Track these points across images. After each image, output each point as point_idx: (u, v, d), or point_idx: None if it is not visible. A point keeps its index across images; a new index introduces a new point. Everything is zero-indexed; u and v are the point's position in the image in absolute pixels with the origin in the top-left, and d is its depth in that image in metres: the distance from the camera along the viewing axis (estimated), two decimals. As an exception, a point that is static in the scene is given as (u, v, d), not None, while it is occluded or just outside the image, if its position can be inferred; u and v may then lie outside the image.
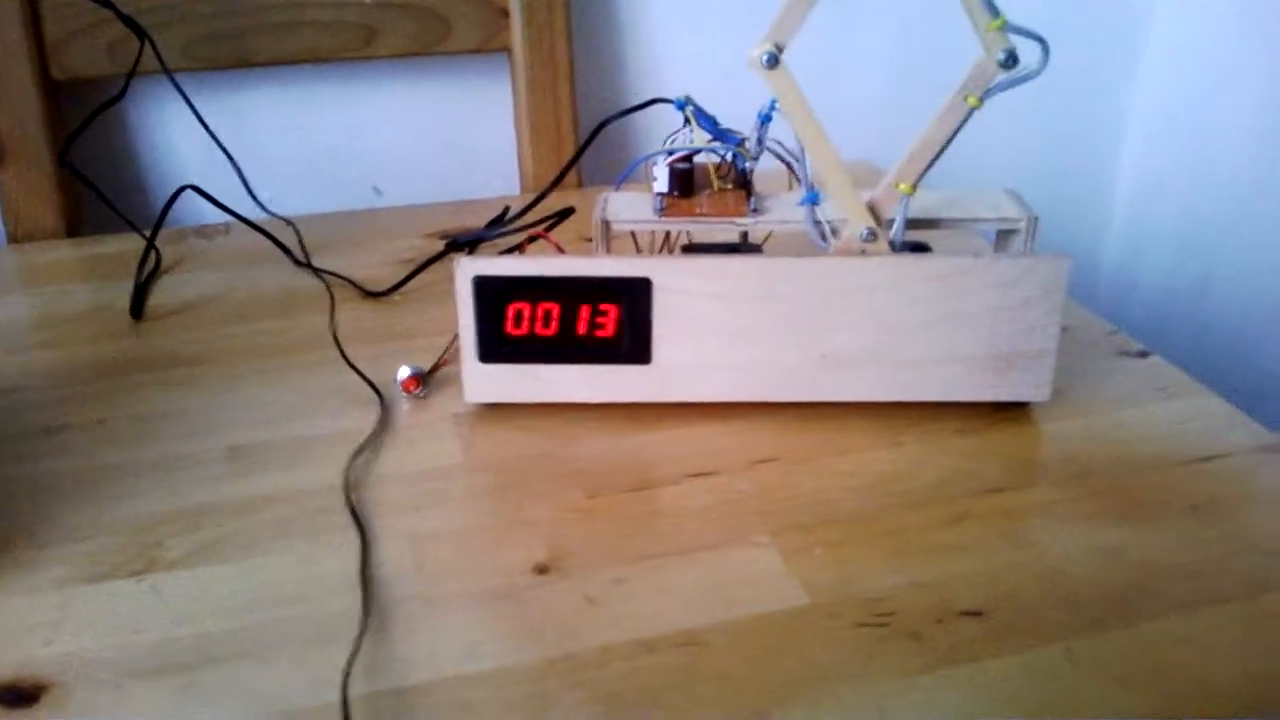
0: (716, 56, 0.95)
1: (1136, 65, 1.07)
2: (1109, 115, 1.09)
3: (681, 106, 0.61)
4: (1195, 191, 1.03)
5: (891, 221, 0.55)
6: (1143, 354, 0.64)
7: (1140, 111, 1.08)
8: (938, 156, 0.54)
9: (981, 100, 0.52)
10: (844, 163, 0.54)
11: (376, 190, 0.93)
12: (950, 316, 0.54)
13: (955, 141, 0.54)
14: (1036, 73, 0.51)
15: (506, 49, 0.88)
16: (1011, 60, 0.51)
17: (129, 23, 0.73)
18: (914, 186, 0.54)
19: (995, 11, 0.51)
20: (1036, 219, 0.56)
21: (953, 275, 0.54)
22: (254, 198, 0.78)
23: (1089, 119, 1.08)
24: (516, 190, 0.92)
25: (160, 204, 0.77)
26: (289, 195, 0.85)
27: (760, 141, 0.60)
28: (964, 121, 0.53)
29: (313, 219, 0.82)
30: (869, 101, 0.99)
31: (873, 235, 0.55)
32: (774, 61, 0.52)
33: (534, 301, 0.55)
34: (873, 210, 0.55)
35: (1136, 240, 1.12)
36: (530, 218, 0.74)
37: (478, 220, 0.80)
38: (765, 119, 0.60)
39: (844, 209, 0.55)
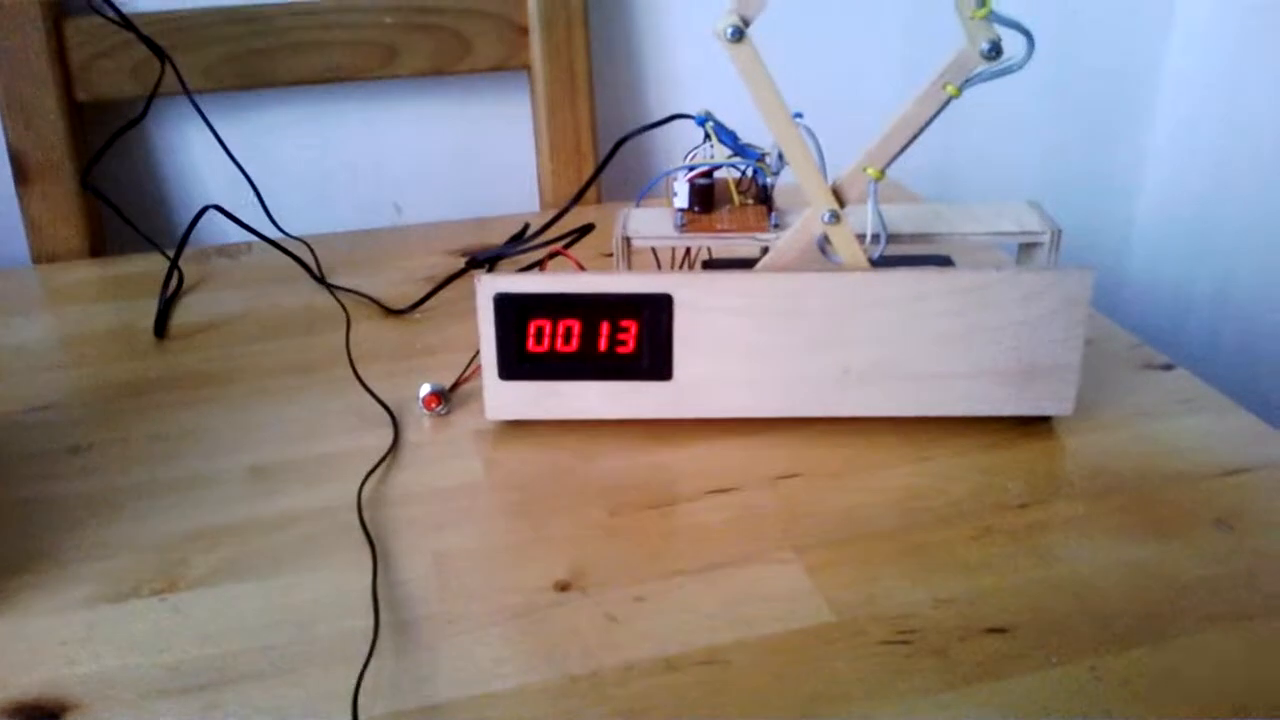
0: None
1: (1158, 72, 1.06)
2: (1130, 122, 1.08)
3: (702, 122, 0.61)
4: (1216, 198, 1.03)
5: (872, 230, 0.55)
6: (1167, 367, 0.63)
7: (1163, 116, 1.07)
8: (910, 142, 0.53)
9: (960, 89, 0.52)
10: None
11: (397, 208, 0.93)
12: (973, 331, 0.54)
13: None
14: (1019, 65, 0.51)
15: (526, 66, 0.88)
16: (995, 51, 0.50)
17: (150, 45, 0.74)
18: (883, 171, 0.54)
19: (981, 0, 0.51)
20: (1060, 232, 0.56)
21: (975, 289, 0.53)
22: (271, 219, 0.78)
23: (1110, 126, 1.08)
24: (537, 207, 0.92)
25: (181, 224, 0.78)
26: (310, 213, 0.85)
27: (780, 156, 0.60)
28: (940, 109, 0.52)
29: (334, 237, 0.82)
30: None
31: (835, 218, 0.54)
32: (739, 35, 0.51)
33: (554, 318, 0.55)
34: (836, 193, 0.54)
35: (1159, 249, 1.11)
36: (550, 234, 0.74)
37: (498, 237, 0.81)
38: (784, 132, 0.60)
39: (806, 190, 0.54)
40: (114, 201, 0.80)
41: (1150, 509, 0.51)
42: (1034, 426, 0.57)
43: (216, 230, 0.80)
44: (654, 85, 0.96)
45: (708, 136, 0.61)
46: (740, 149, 0.60)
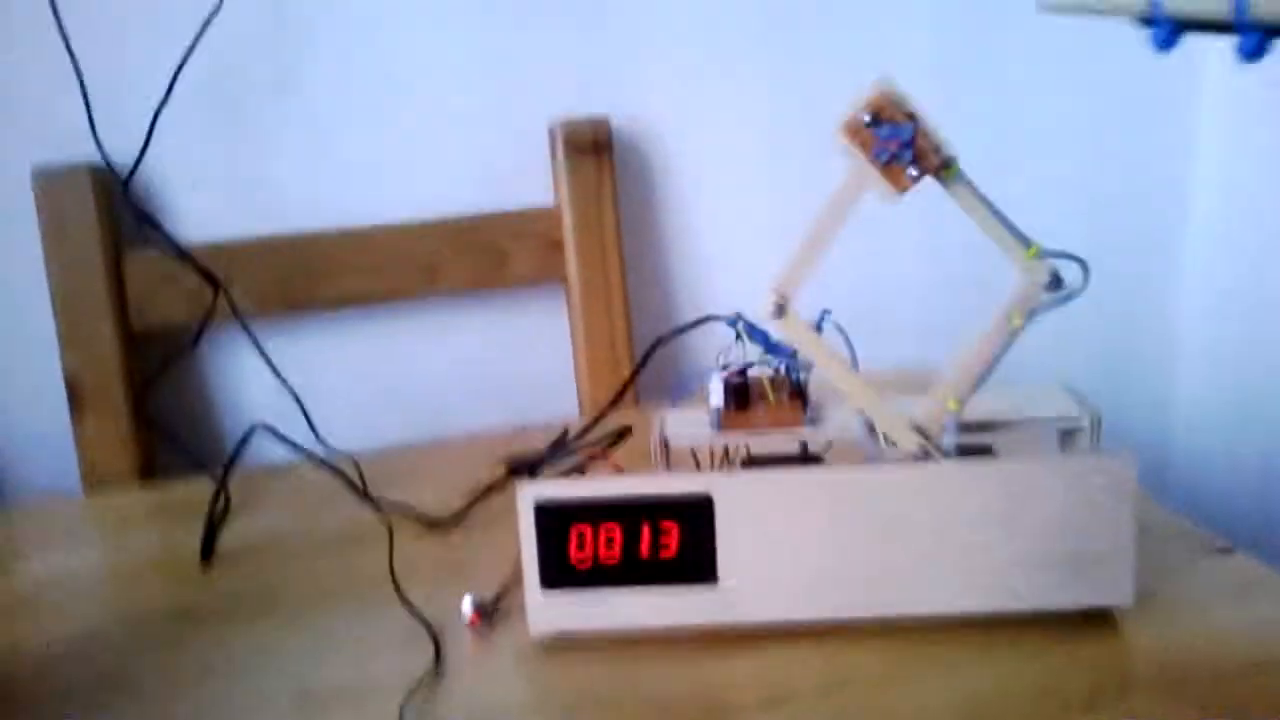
0: (766, 267, 0.98)
1: (1183, 242, 1.07)
2: (1160, 294, 1.09)
3: (733, 324, 0.62)
4: (1253, 368, 1.02)
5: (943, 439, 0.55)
6: (1226, 550, 0.61)
7: (1193, 289, 1.08)
8: (985, 377, 0.54)
9: (1026, 321, 0.53)
10: (880, 388, 0.55)
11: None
12: (1020, 522, 0.53)
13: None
14: (1079, 291, 0.52)
15: (562, 279, 0.91)
16: (1056, 283, 0.52)
17: (205, 274, 0.77)
18: (962, 404, 0.54)
19: (1027, 241, 0.52)
20: (1100, 416, 0.56)
21: (1018, 479, 0.53)
22: (317, 435, 0.79)
23: (1140, 296, 1.09)
24: (576, 412, 0.93)
25: (230, 442, 0.79)
26: (355, 428, 0.87)
27: (813, 353, 0.60)
28: (1010, 342, 0.53)
29: (377, 453, 0.83)
30: (905, 297, 1.01)
31: (925, 454, 0.55)
32: (780, 312, 0.54)
33: (595, 523, 0.54)
34: (921, 431, 0.55)
35: (1201, 424, 1.09)
36: (589, 438, 0.75)
37: (538, 444, 0.81)
38: (815, 328, 0.61)
39: (894, 439, 0.55)
40: (165, 425, 0.82)
41: (1225, 704, 0.48)
42: (1093, 620, 0.55)
43: (266, 450, 0.81)
44: (685, 287, 0.98)
45: (739, 336, 0.62)
46: (773, 348, 0.61)
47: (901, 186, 0.53)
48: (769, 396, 0.60)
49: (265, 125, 0.86)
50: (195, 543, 0.71)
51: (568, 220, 0.90)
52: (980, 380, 0.54)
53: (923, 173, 0.52)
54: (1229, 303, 1.05)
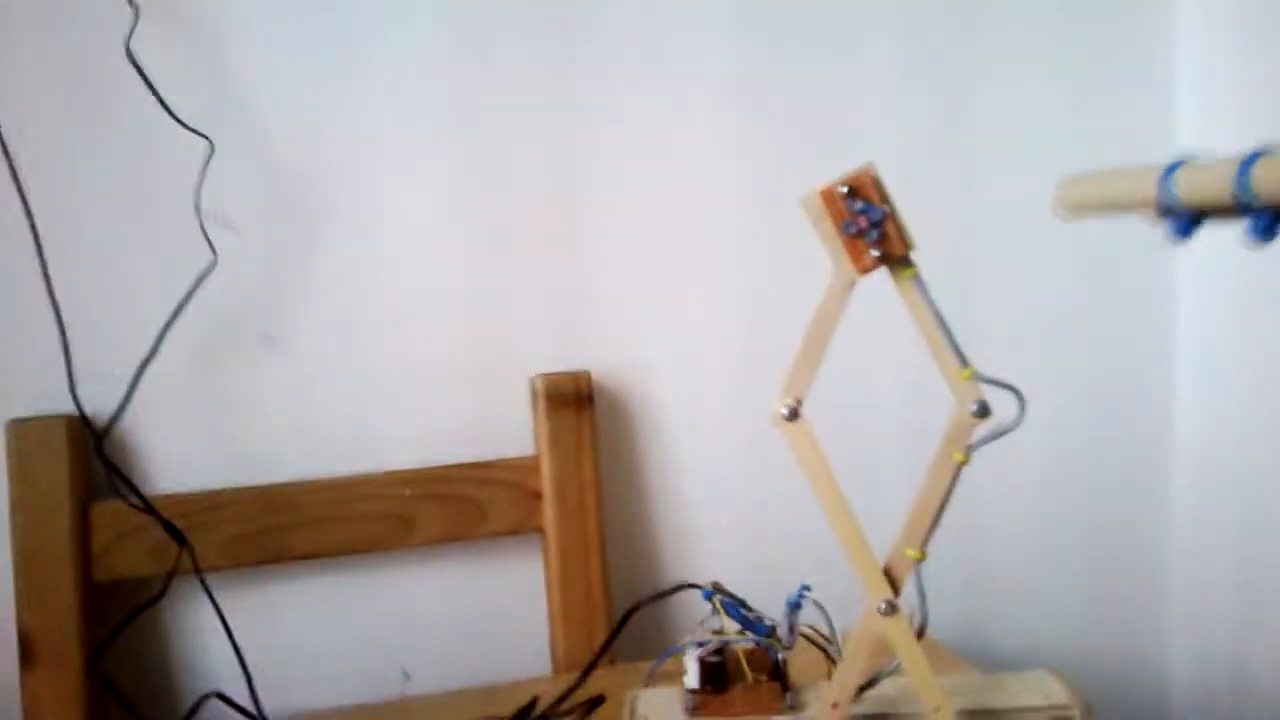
0: (747, 527, 0.97)
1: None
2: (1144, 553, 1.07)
3: (709, 596, 0.61)
4: (1249, 635, 0.99)
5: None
6: None
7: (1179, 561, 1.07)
8: (938, 517, 0.53)
9: (968, 455, 0.52)
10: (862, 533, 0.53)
11: (405, 675, 0.91)
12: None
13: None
14: (1014, 425, 0.51)
15: (539, 529, 0.90)
16: (983, 410, 0.51)
17: (170, 529, 0.76)
18: (922, 551, 0.53)
19: (964, 360, 0.52)
20: (1090, 706, 0.53)
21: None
22: (261, 715, 0.75)
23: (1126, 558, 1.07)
24: (548, 668, 0.90)
25: (186, 707, 0.75)
26: (316, 688, 0.83)
27: (792, 629, 0.59)
28: (955, 479, 0.52)
29: (339, 712, 0.79)
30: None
31: (891, 608, 0.52)
32: (794, 415, 0.53)
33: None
34: (889, 577, 0.53)
35: (1200, 690, 1.06)
36: (561, 706, 0.72)
37: (506, 707, 0.78)
38: (794, 605, 0.59)
39: (862, 580, 0.53)
40: (119, 684, 0.78)
41: None
42: None
43: (221, 717, 0.78)
44: (667, 545, 0.96)
45: (715, 610, 0.60)
46: (749, 624, 0.59)
47: (862, 266, 0.52)
48: (746, 676, 0.58)
49: (247, 380, 0.87)
50: (136, 821, 0.66)
51: (547, 470, 0.89)
52: (935, 522, 0.53)
53: (884, 256, 0.51)
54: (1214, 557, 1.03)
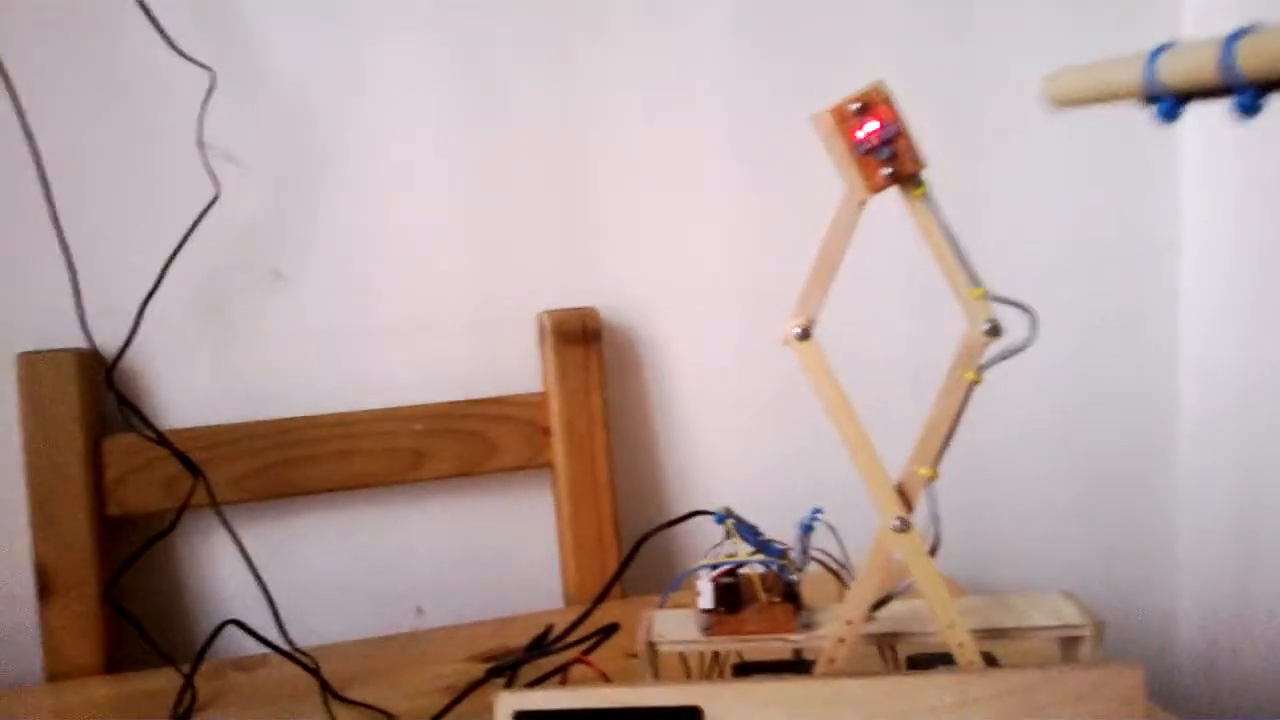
0: (755, 459, 0.97)
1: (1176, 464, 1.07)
2: (1156, 501, 1.08)
3: (721, 520, 0.61)
4: (1250, 566, 1.00)
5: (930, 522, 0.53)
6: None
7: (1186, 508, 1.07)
8: (950, 436, 0.53)
9: (979, 374, 0.52)
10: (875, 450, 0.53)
11: (419, 610, 0.92)
12: (1024, 735, 0.51)
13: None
14: (1027, 344, 0.51)
15: (549, 465, 0.90)
16: (995, 330, 0.51)
17: (184, 460, 0.76)
18: (934, 469, 0.53)
19: (976, 279, 0.51)
20: (1102, 624, 0.54)
21: (1021, 690, 0.50)
22: (285, 635, 0.76)
23: (1136, 506, 1.08)
24: (560, 603, 0.91)
25: (203, 636, 0.76)
26: (332, 620, 0.84)
27: (804, 552, 0.59)
28: (966, 398, 0.52)
29: (353, 645, 0.80)
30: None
31: (904, 524, 0.53)
32: (805, 335, 0.53)
33: (578, 736, 0.52)
34: (902, 495, 0.53)
35: (1205, 618, 1.07)
36: (574, 636, 0.72)
37: (520, 639, 0.78)
38: (806, 528, 0.59)
39: (875, 497, 0.53)
40: (135, 615, 0.79)
41: None
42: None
43: (236, 643, 0.78)
44: (675, 479, 0.97)
45: (728, 534, 0.61)
46: (762, 545, 0.60)
47: (873, 185, 0.51)
48: (760, 597, 0.58)
49: (255, 315, 0.87)
50: (156, 744, 0.67)
51: (555, 406, 0.89)
52: (946, 442, 0.53)
53: (896, 175, 0.51)
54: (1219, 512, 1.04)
